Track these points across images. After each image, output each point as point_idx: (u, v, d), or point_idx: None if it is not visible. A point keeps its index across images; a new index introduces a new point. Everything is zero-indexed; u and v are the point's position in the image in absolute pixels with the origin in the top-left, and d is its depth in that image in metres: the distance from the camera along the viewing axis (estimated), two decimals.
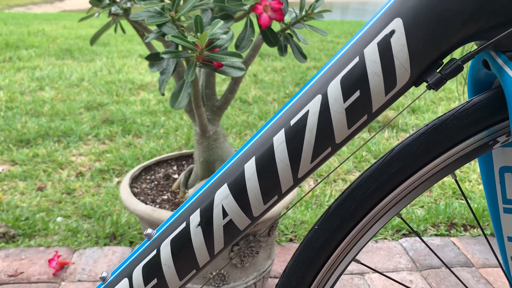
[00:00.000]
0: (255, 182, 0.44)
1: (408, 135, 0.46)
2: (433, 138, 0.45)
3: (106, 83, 3.36)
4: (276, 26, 1.15)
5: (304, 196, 0.49)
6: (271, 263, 1.24)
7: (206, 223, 0.46)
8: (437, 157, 0.45)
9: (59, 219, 1.71)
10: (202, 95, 1.16)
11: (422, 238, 1.56)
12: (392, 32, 0.40)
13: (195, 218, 0.46)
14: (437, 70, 0.42)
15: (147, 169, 1.31)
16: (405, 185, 0.46)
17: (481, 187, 1.95)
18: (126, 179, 1.20)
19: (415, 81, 0.42)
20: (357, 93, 0.42)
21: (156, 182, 1.25)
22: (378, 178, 0.46)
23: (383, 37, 0.41)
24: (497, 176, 0.52)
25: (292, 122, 0.43)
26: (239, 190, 0.45)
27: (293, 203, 1.72)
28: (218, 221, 0.46)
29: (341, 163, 0.51)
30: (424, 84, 0.43)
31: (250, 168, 0.44)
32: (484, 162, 0.52)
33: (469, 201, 1.79)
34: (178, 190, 1.22)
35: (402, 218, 0.49)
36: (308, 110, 0.43)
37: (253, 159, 0.44)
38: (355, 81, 0.41)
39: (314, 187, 0.52)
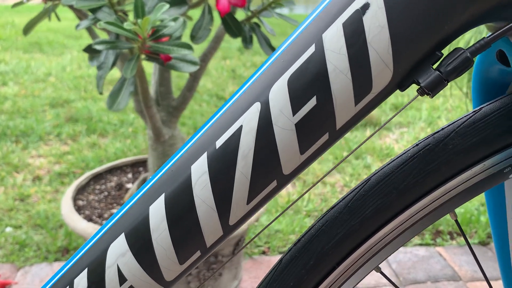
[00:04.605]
0: (164, 233, 0.30)
1: (389, 159, 0.32)
2: (425, 165, 0.31)
3: (75, 78, 3.17)
4: (241, 15, 1.00)
5: (281, 214, 0.34)
6: (238, 284, 1.10)
7: None
8: (431, 191, 0.32)
9: (8, 229, 1.54)
10: (157, 93, 1.01)
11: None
12: (366, 6, 0.26)
13: (81, 282, 0.32)
14: (434, 66, 0.28)
15: (97, 178, 1.15)
16: (385, 231, 0.32)
17: None
18: (69, 190, 1.05)
19: (400, 82, 0.28)
20: (313, 101, 0.27)
21: (106, 193, 1.09)
22: (347, 222, 0.32)
23: (351, 15, 0.26)
24: (509, 211, 0.39)
25: (219, 143, 0.29)
26: (141, 245, 0.30)
27: (276, 212, 1.57)
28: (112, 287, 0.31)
29: (325, 175, 0.36)
30: (414, 86, 0.29)
31: (157, 211, 0.30)
32: (493, 194, 0.38)
33: None
34: None
35: (383, 274, 0.35)
36: (241, 126, 0.28)
37: (162, 198, 0.30)
38: (310, 83, 0.27)
39: (295, 201, 0.37)
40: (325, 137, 0.28)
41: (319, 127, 0.28)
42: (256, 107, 0.28)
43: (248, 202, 0.29)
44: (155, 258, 0.30)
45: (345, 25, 0.26)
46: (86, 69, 3.42)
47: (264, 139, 0.28)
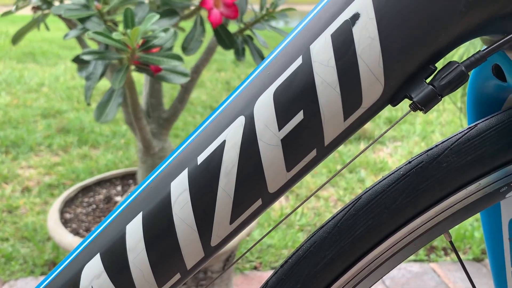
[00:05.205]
0: (142, 254, 0.28)
1: (381, 177, 0.30)
2: (418, 184, 0.29)
3: (68, 89, 3.15)
4: (234, 27, 0.99)
5: (273, 229, 0.32)
6: None
7: None
8: (424, 211, 0.30)
9: None
10: (147, 105, 1.00)
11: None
12: (356, 16, 0.25)
13: None
14: (427, 80, 0.26)
15: (85, 190, 1.13)
16: (376, 252, 0.31)
17: None
18: (57, 203, 1.02)
19: (391, 97, 0.27)
20: (300, 115, 0.26)
21: (94, 206, 1.07)
22: (337, 243, 0.30)
23: (340, 26, 0.25)
24: (505, 230, 0.37)
25: (200, 159, 0.27)
26: (117, 266, 0.28)
27: (269, 227, 1.54)
28: None
29: (319, 188, 0.35)
30: (407, 101, 0.27)
31: (134, 231, 0.28)
32: (488, 213, 0.37)
33: None
34: None
35: None
36: (224, 141, 0.27)
37: (139, 217, 0.28)
38: (297, 96, 0.26)
39: (287, 216, 0.36)
40: (313, 153, 0.27)
41: (306, 143, 0.26)
42: (240, 121, 0.27)
43: (231, 222, 0.28)
44: (131, 280, 0.28)
45: (333, 36, 0.25)
46: (80, 80, 3.40)
47: (248, 155, 0.27)
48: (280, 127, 0.26)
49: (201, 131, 0.28)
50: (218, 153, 0.27)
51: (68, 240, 0.89)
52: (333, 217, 0.31)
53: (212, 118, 0.28)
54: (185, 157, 0.28)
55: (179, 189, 0.27)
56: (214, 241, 0.28)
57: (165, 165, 0.29)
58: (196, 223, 0.27)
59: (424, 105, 0.26)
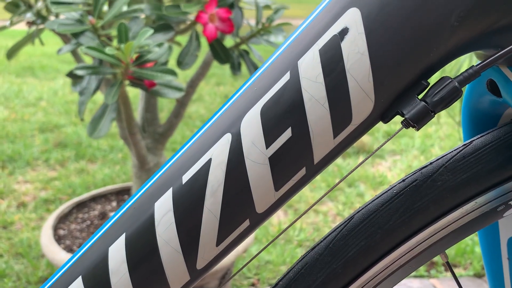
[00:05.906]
0: (125, 277, 0.27)
1: (373, 196, 0.29)
2: (412, 203, 0.28)
3: (66, 103, 3.14)
4: (230, 42, 0.99)
5: (269, 244, 0.31)
6: None
7: None
8: (419, 231, 0.29)
9: None
10: (143, 120, 0.99)
11: None
12: (344, 31, 0.24)
13: None
14: (419, 96, 0.25)
15: (80, 206, 1.11)
16: (369, 274, 0.29)
17: None
18: (50, 219, 1.01)
19: (382, 114, 0.26)
20: (288, 133, 0.25)
21: (89, 222, 1.06)
22: (329, 265, 0.29)
23: (328, 41, 0.24)
24: (504, 250, 0.36)
25: (185, 178, 0.26)
26: None
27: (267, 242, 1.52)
28: None
29: (314, 204, 0.34)
30: (399, 118, 0.26)
31: (117, 253, 0.27)
32: (486, 231, 0.36)
33: None
34: None
35: None
36: (210, 159, 0.26)
37: (122, 238, 0.27)
38: (284, 113, 0.25)
39: (284, 230, 0.35)
40: (302, 172, 0.26)
41: (295, 161, 0.25)
42: (227, 138, 0.26)
43: (217, 244, 0.27)
44: None
45: (322, 51, 0.24)
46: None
47: (235, 173, 0.26)
48: (268, 144, 0.25)
49: (186, 149, 0.27)
50: (204, 172, 0.26)
51: (61, 257, 0.87)
52: (325, 238, 0.30)
53: (198, 136, 0.27)
54: (170, 176, 0.27)
55: (163, 209, 0.26)
56: (200, 264, 0.27)
57: (149, 184, 0.28)
58: (180, 245, 0.26)
59: (416, 122, 0.25)
